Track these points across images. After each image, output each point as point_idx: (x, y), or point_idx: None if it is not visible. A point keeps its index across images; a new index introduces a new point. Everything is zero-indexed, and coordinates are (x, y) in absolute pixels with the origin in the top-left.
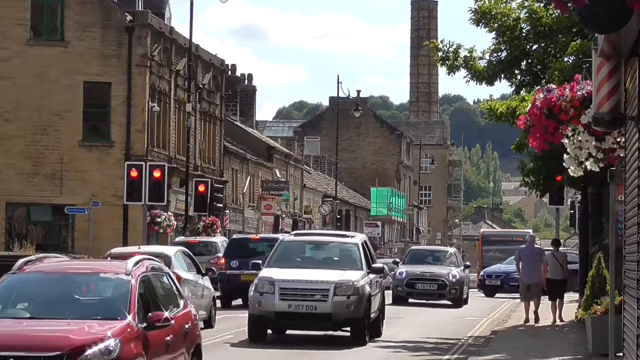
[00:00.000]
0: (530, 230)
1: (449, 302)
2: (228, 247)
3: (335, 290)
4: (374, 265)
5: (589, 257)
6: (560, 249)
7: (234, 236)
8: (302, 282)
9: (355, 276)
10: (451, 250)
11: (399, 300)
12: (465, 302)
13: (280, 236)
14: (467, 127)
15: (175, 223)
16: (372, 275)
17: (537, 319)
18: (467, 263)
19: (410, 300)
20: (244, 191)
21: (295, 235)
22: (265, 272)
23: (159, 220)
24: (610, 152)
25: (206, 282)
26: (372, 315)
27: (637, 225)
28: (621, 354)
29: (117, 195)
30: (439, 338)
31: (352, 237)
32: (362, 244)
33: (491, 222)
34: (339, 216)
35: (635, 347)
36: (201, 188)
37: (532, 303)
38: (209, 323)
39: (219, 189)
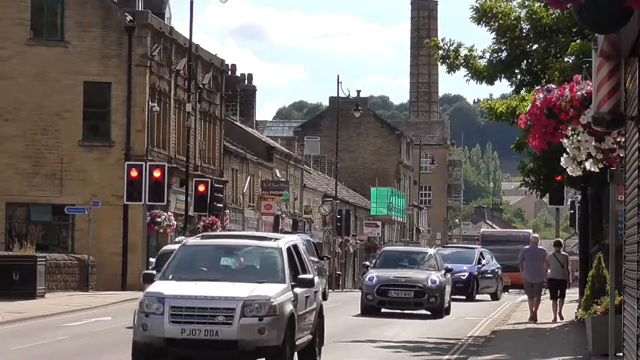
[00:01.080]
0: (531, 230)
1: (427, 313)
2: None
3: (243, 310)
4: (301, 276)
5: (589, 257)
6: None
7: None
8: (200, 300)
9: (273, 291)
10: (430, 251)
11: (369, 310)
12: (447, 311)
13: (296, 236)
14: (467, 127)
15: (175, 223)
16: (299, 290)
17: (535, 319)
18: (449, 266)
19: (383, 310)
20: (244, 191)
21: (202, 237)
22: (155, 286)
23: (159, 220)
24: (610, 153)
25: None
26: (298, 342)
27: (637, 225)
28: (621, 354)
29: (117, 195)
30: (439, 338)
31: (274, 240)
32: (289, 249)
33: (491, 222)
34: (339, 216)
35: (635, 347)
36: (201, 188)
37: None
38: None
39: (219, 189)
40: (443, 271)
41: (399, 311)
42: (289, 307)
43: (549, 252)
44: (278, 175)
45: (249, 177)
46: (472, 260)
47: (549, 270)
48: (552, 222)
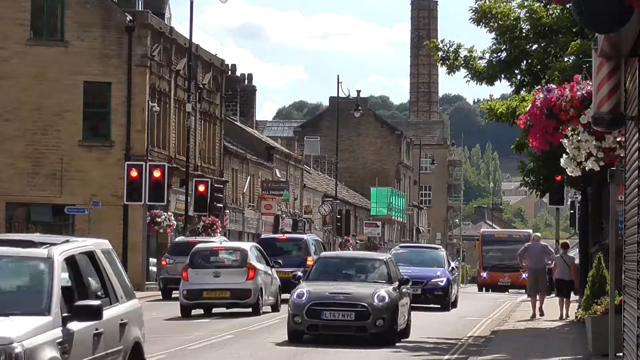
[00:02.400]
0: (531, 230)
1: (372, 339)
2: None
3: None
4: (80, 303)
5: (589, 257)
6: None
7: (262, 236)
8: None
9: (20, 328)
10: (382, 257)
11: (297, 336)
12: (405, 334)
13: (306, 236)
14: (467, 127)
15: (175, 223)
16: (78, 325)
17: (542, 314)
18: (405, 277)
19: (315, 333)
20: (244, 191)
21: None
22: None
23: (159, 220)
24: (611, 151)
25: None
26: None
27: (637, 225)
28: (621, 354)
29: (117, 195)
30: (439, 338)
31: (46, 246)
32: (70, 259)
33: (491, 222)
34: (339, 216)
35: (635, 347)
36: (201, 188)
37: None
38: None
39: (219, 189)
40: (396, 283)
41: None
42: (49, 354)
43: (555, 254)
44: (278, 175)
45: (249, 177)
46: (443, 263)
47: (553, 271)
48: (552, 222)
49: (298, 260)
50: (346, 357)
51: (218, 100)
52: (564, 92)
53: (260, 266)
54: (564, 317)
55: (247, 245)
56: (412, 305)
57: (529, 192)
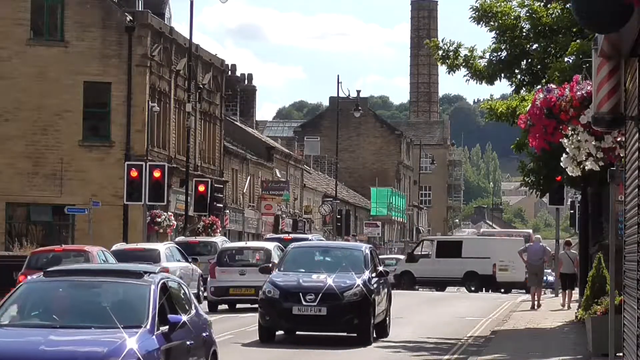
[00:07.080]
0: (531, 230)
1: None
2: None
3: None
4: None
5: (589, 257)
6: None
7: (267, 236)
8: None
9: None
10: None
11: None
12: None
13: (311, 236)
14: (467, 127)
15: (175, 223)
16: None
17: (539, 305)
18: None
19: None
20: (244, 191)
21: None
22: None
23: (159, 220)
24: (610, 151)
25: None
26: None
27: (637, 225)
28: (621, 354)
29: (117, 195)
30: (439, 338)
31: None
32: None
33: (491, 222)
34: (339, 216)
35: (635, 347)
36: (201, 188)
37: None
38: None
39: (219, 189)
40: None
41: None
42: None
43: (560, 251)
44: (278, 175)
45: (249, 177)
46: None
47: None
48: (552, 222)
49: None
50: (345, 356)
51: (218, 100)
52: (564, 92)
53: None
54: (566, 306)
55: (271, 245)
56: None
57: (529, 192)
